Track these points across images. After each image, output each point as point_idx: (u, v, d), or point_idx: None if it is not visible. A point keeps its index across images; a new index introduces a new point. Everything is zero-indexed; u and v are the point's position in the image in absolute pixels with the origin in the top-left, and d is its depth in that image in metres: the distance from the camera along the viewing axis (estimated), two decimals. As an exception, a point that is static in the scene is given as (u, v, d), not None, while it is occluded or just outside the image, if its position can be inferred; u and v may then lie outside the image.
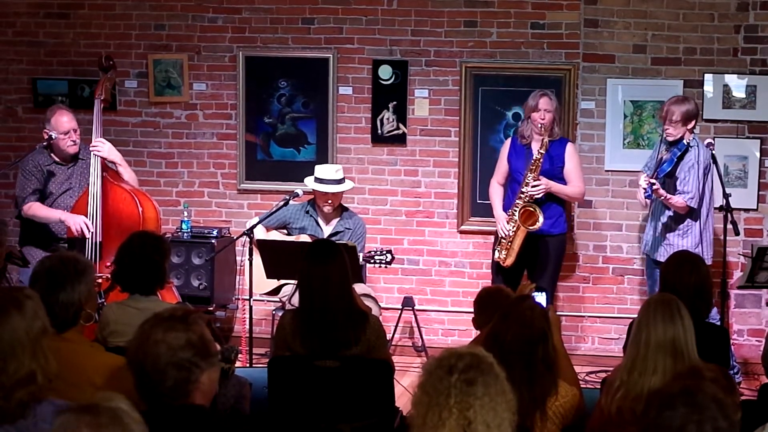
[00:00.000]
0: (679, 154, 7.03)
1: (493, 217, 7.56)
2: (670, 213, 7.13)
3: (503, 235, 7.34)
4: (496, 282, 7.44)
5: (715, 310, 6.80)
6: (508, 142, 7.58)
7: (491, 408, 2.86)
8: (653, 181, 6.91)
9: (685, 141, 7.05)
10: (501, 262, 7.37)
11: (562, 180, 7.38)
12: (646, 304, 4.13)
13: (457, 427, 2.84)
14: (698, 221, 7.09)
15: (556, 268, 7.56)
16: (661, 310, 4.03)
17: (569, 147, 7.48)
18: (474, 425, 2.84)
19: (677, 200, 6.99)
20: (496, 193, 7.58)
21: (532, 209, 7.22)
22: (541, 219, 7.19)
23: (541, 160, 7.21)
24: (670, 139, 7.08)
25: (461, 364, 2.91)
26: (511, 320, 4.06)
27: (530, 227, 7.22)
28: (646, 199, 7.14)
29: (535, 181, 7.20)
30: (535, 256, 7.40)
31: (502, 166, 7.57)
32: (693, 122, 7.11)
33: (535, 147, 7.32)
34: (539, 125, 7.25)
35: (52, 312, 3.93)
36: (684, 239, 7.09)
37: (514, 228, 7.27)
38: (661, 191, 6.95)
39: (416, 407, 2.94)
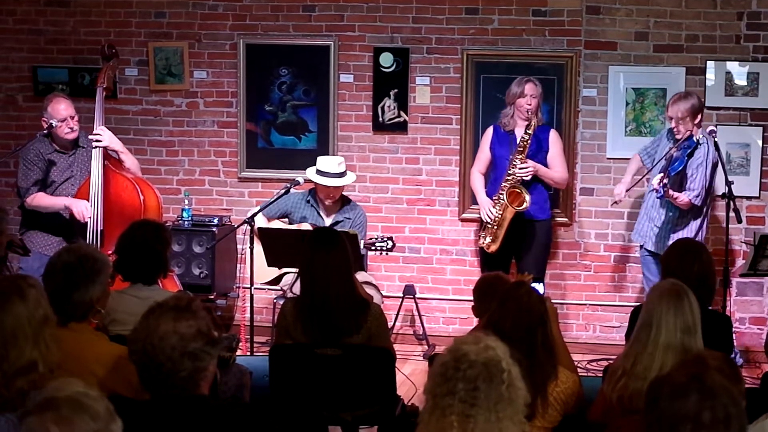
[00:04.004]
0: (689, 151, 7.01)
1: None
2: (672, 212, 7.12)
3: (488, 220, 7.32)
4: (483, 270, 7.45)
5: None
6: (490, 131, 7.55)
7: (495, 422, 2.84)
8: (666, 181, 6.88)
9: (694, 138, 7.02)
10: (486, 248, 7.36)
11: (545, 166, 7.38)
12: (657, 295, 4.04)
13: None
14: (699, 217, 7.09)
15: (544, 254, 7.57)
16: (674, 306, 3.96)
17: (552, 133, 7.49)
18: None
19: (683, 199, 6.96)
20: (478, 181, 7.58)
21: (518, 191, 7.21)
22: (527, 199, 7.18)
23: (529, 141, 7.21)
24: (679, 136, 7.05)
25: (470, 374, 2.87)
26: (508, 306, 4.05)
27: (518, 207, 7.21)
28: (653, 193, 7.13)
29: (522, 163, 7.19)
30: (522, 242, 7.40)
31: (483, 155, 7.56)
32: (700, 116, 7.09)
33: (519, 133, 7.32)
34: (526, 110, 7.24)
35: (62, 308, 3.93)
36: (682, 232, 7.08)
37: (501, 211, 7.26)
38: (671, 192, 6.91)
39: (425, 398, 2.93)
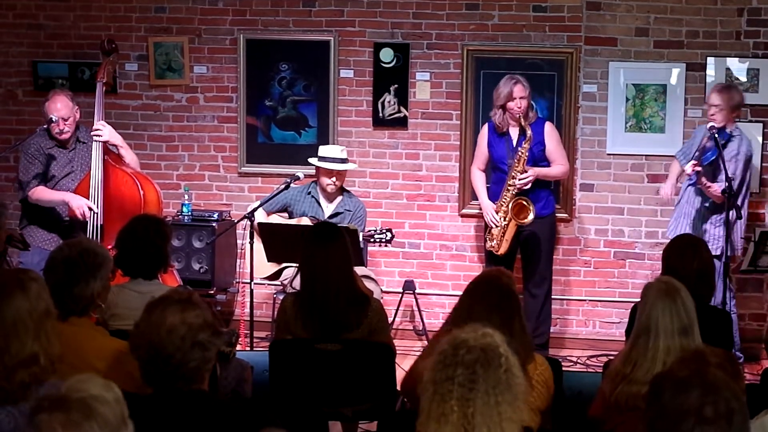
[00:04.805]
0: (722, 143, 7.01)
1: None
2: (707, 204, 7.11)
3: (493, 226, 7.33)
4: (488, 266, 7.46)
5: (730, 296, 6.91)
6: (485, 130, 7.55)
7: (494, 405, 2.86)
8: (699, 168, 6.88)
9: (728, 130, 7.05)
10: (494, 251, 7.37)
11: (545, 161, 7.39)
12: (651, 298, 4.00)
13: (458, 425, 2.84)
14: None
15: (550, 249, 7.62)
16: (669, 307, 3.94)
17: (547, 126, 7.48)
18: (472, 424, 2.84)
19: (716, 189, 6.95)
20: (480, 180, 7.58)
21: (525, 203, 7.22)
22: (532, 215, 7.19)
23: (527, 154, 7.20)
24: (715, 125, 7.06)
25: (468, 358, 2.89)
26: (481, 293, 4.09)
27: (522, 221, 7.22)
28: (682, 186, 7.15)
29: (522, 174, 7.19)
30: (528, 239, 7.42)
31: (481, 153, 7.56)
32: (738, 111, 7.13)
33: (513, 133, 7.33)
34: (516, 114, 7.24)
35: (63, 303, 3.93)
36: (718, 229, 7.08)
37: (506, 219, 7.26)
38: (704, 180, 6.93)
39: (424, 389, 2.94)
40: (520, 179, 7.18)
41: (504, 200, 7.26)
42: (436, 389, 2.89)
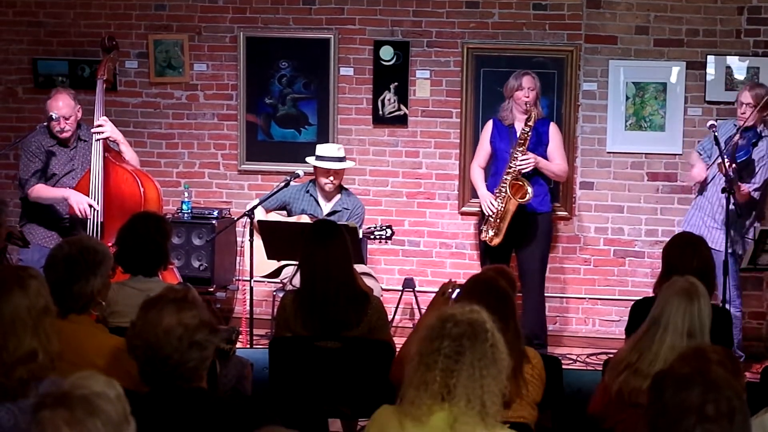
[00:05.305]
0: (754, 140, 7.01)
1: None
2: (731, 207, 7.08)
3: (491, 213, 7.33)
4: (484, 263, 7.46)
5: (736, 295, 6.90)
6: (489, 125, 7.57)
7: (478, 378, 2.89)
8: (735, 166, 6.86)
9: (758, 129, 7.07)
10: (488, 242, 7.37)
11: (545, 159, 7.40)
12: (670, 294, 4.02)
13: (437, 394, 2.87)
14: (753, 210, 7.09)
15: (545, 248, 7.60)
16: (683, 308, 3.96)
17: (552, 126, 7.53)
18: (452, 394, 2.87)
19: (744, 189, 6.94)
20: (479, 175, 7.60)
21: (520, 183, 7.24)
22: (530, 191, 7.20)
23: (530, 134, 7.22)
24: (741, 122, 7.05)
25: (455, 331, 2.93)
26: (478, 291, 4.11)
27: (521, 199, 7.22)
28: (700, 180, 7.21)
29: (523, 155, 7.20)
30: (523, 234, 7.42)
31: (483, 149, 7.58)
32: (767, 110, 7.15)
33: (519, 127, 7.35)
34: (524, 103, 7.25)
35: (63, 300, 3.93)
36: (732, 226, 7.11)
37: (503, 204, 7.26)
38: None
39: (410, 360, 2.97)
40: (521, 160, 7.19)
41: (503, 185, 7.26)
42: (422, 360, 2.94)
